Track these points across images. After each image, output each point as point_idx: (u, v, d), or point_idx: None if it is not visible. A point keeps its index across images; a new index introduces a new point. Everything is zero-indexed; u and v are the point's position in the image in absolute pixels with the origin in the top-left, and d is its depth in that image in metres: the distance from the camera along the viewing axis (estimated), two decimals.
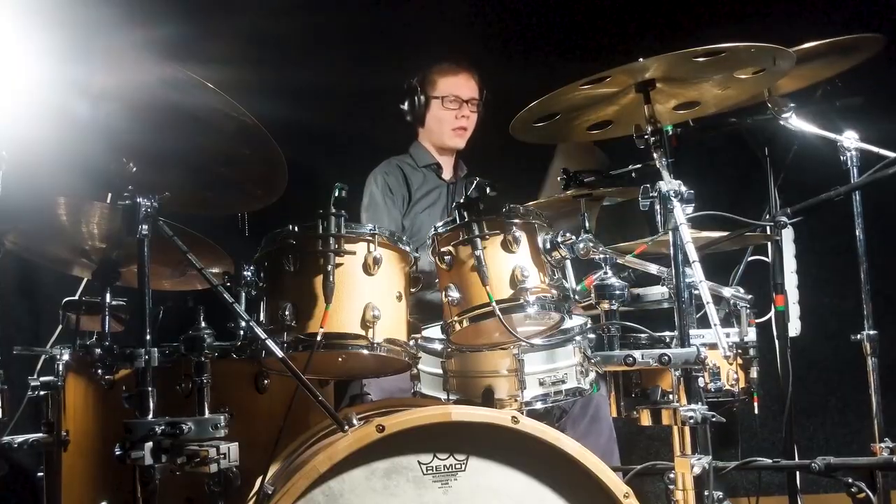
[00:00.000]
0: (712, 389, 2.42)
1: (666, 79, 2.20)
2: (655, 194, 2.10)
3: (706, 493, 2.02)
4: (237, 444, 1.87)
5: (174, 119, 1.95)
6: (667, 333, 2.31)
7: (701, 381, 2.11)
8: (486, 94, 3.43)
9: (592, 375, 2.43)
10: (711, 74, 2.20)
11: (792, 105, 2.68)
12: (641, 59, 2.10)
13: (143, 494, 1.80)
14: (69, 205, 2.18)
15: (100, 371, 2.15)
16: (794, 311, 3.14)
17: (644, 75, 2.19)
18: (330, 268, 2.05)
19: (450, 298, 2.14)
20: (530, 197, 2.68)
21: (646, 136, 2.21)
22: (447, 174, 3.50)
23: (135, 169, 1.95)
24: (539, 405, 2.34)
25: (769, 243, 2.98)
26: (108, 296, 2.31)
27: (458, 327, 2.16)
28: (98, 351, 2.15)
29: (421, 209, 3.37)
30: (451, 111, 3.38)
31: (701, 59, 2.11)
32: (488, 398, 2.31)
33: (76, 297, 2.44)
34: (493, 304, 2.08)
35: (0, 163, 2.07)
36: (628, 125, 2.31)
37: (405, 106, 3.43)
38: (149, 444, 1.79)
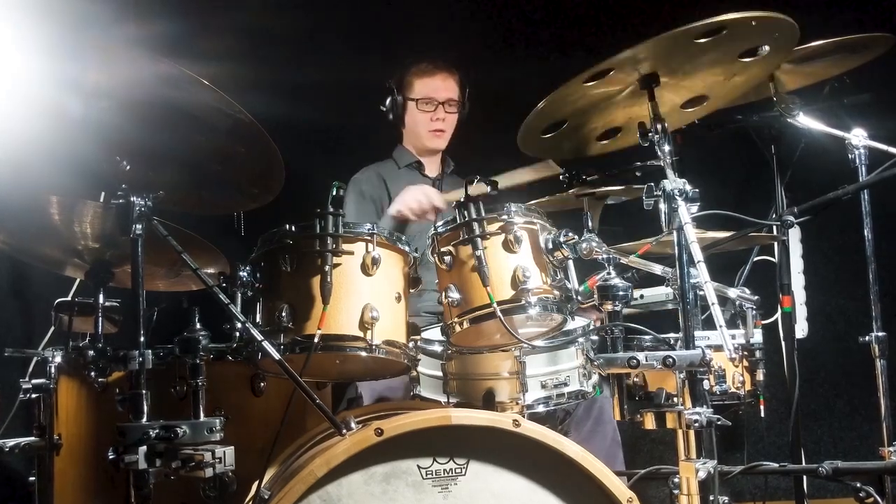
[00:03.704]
0: (717, 392, 2.41)
1: (668, 69, 2.16)
2: (660, 193, 2.07)
3: (711, 497, 1.99)
4: (233, 447, 1.85)
5: (168, 116, 1.92)
6: (671, 335, 2.29)
7: (706, 384, 2.08)
8: (477, 90, 3.39)
9: (595, 378, 2.41)
10: (713, 59, 2.15)
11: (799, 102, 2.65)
12: (638, 46, 2.05)
13: (137, 499, 1.78)
14: (61, 204, 2.16)
15: (93, 373, 2.13)
16: (801, 312, 3.14)
17: (644, 66, 2.14)
18: (327, 268, 2.02)
19: (450, 299, 2.11)
20: (531, 196, 2.65)
21: (650, 134, 2.17)
22: (432, 171, 3.48)
23: (128, 167, 1.93)
24: (541, 408, 2.31)
25: (776, 243, 2.97)
26: (101, 297, 2.29)
27: (458, 329, 2.13)
28: (91, 353, 2.13)
29: None
30: (426, 113, 3.34)
31: (701, 41, 2.05)
32: (489, 401, 2.29)
33: (69, 298, 2.42)
34: (494, 305, 2.05)
35: None
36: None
37: (385, 107, 3.41)
38: (143, 448, 1.77)
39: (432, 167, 3.48)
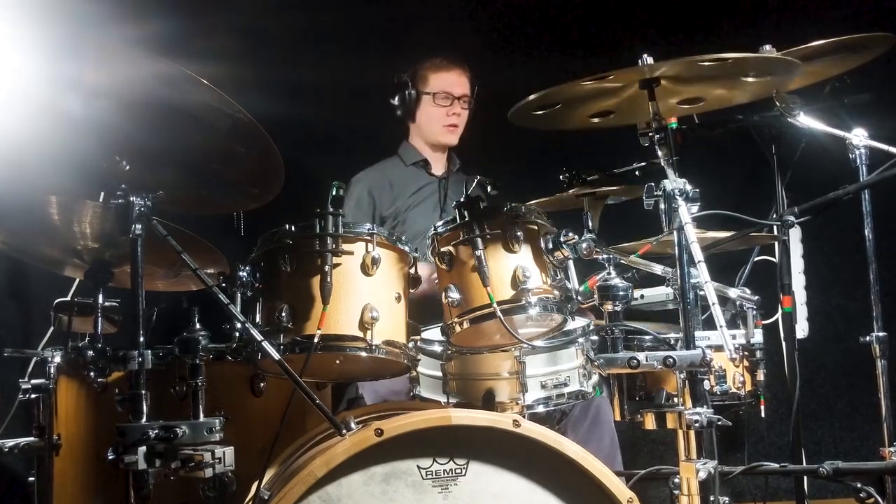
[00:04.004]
0: (718, 392, 2.41)
1: (670, 79, 2.16)
2: (660, 193, 2.07)
3: (712, 498, 1.99)
4: (232, 448, 1.84)
5: (168, 116, 1.91)
6: (671, 335, 2.28)
7: (706, 384, 2.08)
8: (477, 90, 3.39)
9: (595, 378, 2.40)
10: (717, 77, 2.17)
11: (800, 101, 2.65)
12: (647, 59, 2.06)
13: (137, 499, 1.77)
14: (61, 204, 2.15)
15: (92, 373, 2.12)
16: (802, 312, 3.12)
17: (647, 75, 2.14)
18: (327, 268, 2.02)
19: (450, 299, 2.11)
20: (531, 195, 2.65)
21: (650, 134, 2.17)
22: (438, 170, 3.47)
23: (128, 167, 1.92)
24: (541, 408, 2.31)
25: (776, 243, 2.95)
26: (100, 297, 2.28)
27: (458, 329, 2.13)
28: (90, 353, 2.12)
29: (409, 206, 3.34)
30: (442, 108, 3.35)
31: (706, 64, 2.07)
32: (489, 401, 2.28)
33: (68, 298, 2.41)
34: (495, 305, 2.04)
35: None
36: (631, 114, 2.27)
37: (395, 101, 3.39)
38: (142, 449, 1.76)
39: (438, 165, 3.47)
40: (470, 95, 3.38)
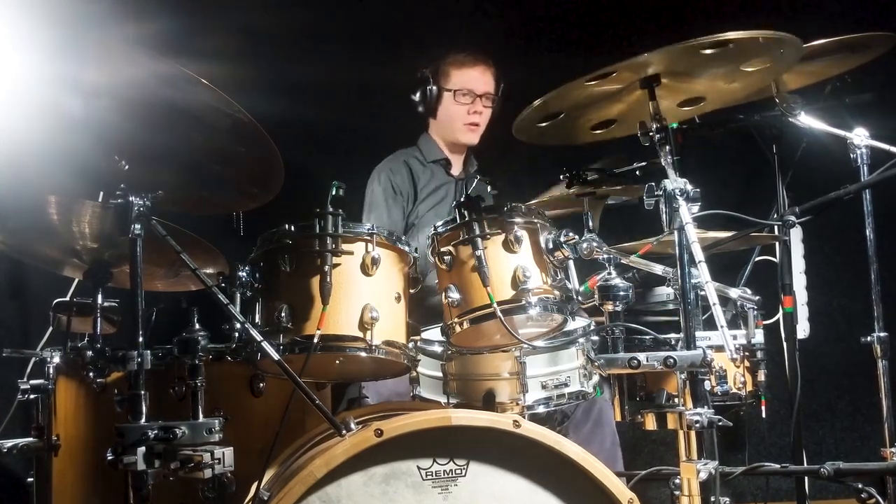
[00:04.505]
0: (719, 393, 2.40)
1: (671, 73, 2.16)
2: (661, 193, 2.07)
3: (712, 498, 1.99)
4: (232, 448, 1.84)
5: (167, 116, 1.91)
6: (672, 336, 2.28)
7: (707, 385, 2.08)
8: (503, 88, 3.33)
9: (596, 378, 2.40)
10: (717, 68, 2.16)
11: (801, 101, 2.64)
12: (646, 55, 2.06)
13: (136, 500, 1.77)
14: (60, 204, 2.15)
15: (91, 374, 2.11)
16: (803, 312, 3.12)
17: (648, 70, 2.14)
18: (327, 268, 2.02)
19: (450, 299, 2.11)
20: (533, 195, 2.64)
21: (651, 133, 2.17)
22: (456, 170, 3.41)
23: (127, 167, 1.92)
24: (541, 409, 2.30)
25: (777, 243, 2.95)
26: (99, 297, 2.28)
27: (458, 329, 2.12)
28: (89, 353, 2.12)
29: (427, 207, 3.29)
30: (463, 106, 3.27)
31: (707, 52, 2.06)
32: (489, 402, 2.28)
33: (67, 299, 2.41)
34: (495, 305, 2.04)
35: None
36: (632, 124, 2.27)
37: (416, 97, 3.31)
38: (141, 449, 1.76)
39: (457, 166, 3.42)
40: (494, 93, 3.30)
